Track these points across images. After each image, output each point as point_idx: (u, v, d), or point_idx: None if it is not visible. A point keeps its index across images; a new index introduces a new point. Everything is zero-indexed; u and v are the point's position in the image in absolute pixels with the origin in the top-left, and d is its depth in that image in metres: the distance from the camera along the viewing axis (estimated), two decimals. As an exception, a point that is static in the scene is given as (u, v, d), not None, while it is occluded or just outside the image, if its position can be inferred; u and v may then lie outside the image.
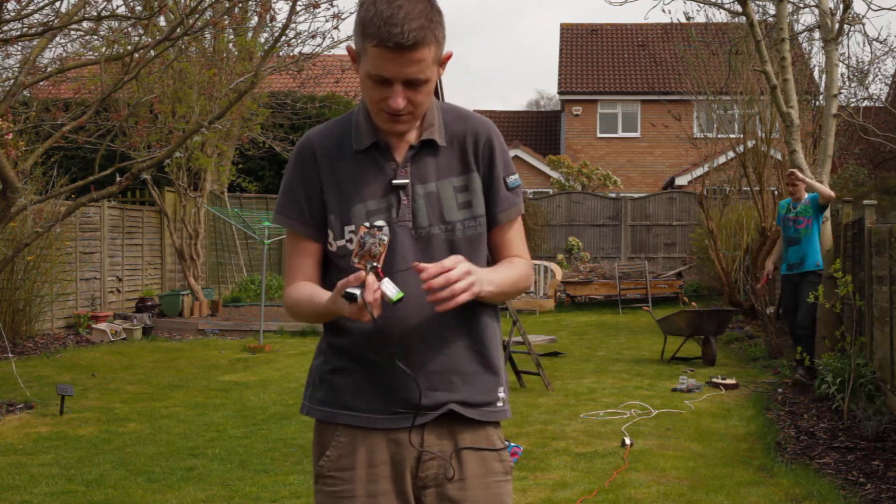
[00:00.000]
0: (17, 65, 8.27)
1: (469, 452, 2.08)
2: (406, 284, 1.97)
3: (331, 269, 2.13)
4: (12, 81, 8.02)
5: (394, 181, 2.06)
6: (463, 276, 1.91)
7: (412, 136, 2.09)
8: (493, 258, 2.18)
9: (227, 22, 10.14)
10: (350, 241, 2.06)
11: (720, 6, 10.36)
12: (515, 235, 2.19)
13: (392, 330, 2.00)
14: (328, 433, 2.11)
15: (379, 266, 1.88)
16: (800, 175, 8.31)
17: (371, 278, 1.87)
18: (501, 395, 2.12)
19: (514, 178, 2.16)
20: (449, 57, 2.04)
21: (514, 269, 2.14)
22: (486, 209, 2.13)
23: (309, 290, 2.10)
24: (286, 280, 2.17)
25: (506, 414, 2.14)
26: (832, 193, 8.41)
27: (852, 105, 12.65)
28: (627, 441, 6.24)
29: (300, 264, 2.14)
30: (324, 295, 2.02)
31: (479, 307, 2.11)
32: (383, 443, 2.06)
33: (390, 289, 1.88)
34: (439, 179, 2.08)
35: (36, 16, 7.71)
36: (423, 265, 1.89)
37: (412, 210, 2.05)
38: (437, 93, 2.22)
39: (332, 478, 2.09)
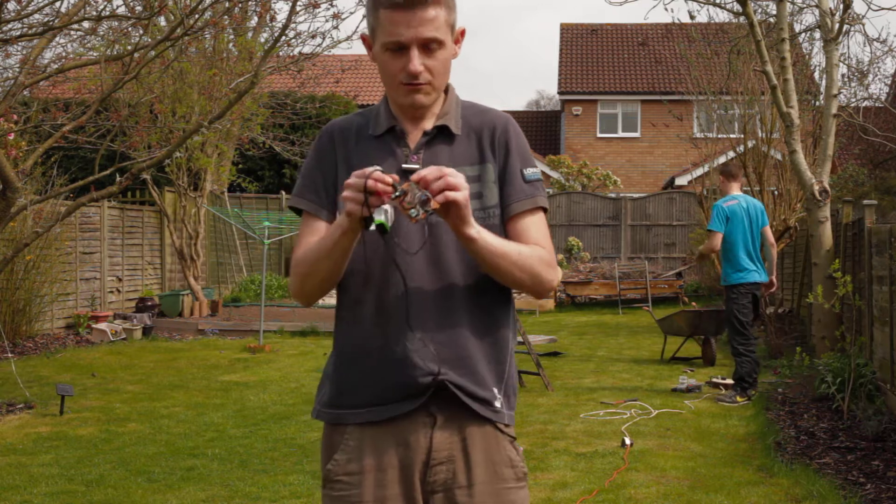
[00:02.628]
0: (17, 65, 8.25)
1: (478, 459, 2.06)
2: (416, 270, 1.98)
3: None
4: (12, 81, 8.02)
5: (404, 166, 2.05)
6: (456, 175, 1.87)
7: (427, 124, 2.10)
8: None
9: (227, 22, 10.13)
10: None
11: (721, 6, 10.36)
12: (533, 226, 2.10)
13: (400, 306, 1.99)
14: (337, 436, 2.10)
15: (401, 199, 1.84)
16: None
17: (390, 182, 1.83)
18: (498, 395, 2.08)
19: (532, 171, 2.12)
20: (463, 32, 2.07)
21: (523, 246, 2.06)
22: (501, 199, 2.10)
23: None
24: (294, 253, 2.16)
25: (503, 417, 2.10)
26: (711, 248, 8.08)
27: (852, 105, 12.65)
28: (627, 441, 6.24)
29: (312, 243, 2.13)
30: (336, 221, 1.99)
31: (492, 308, 2.08)
32: (392, 446, 2.04)
33: (387, 210, 1.84)
34: (452, 167, 2.05)
35: (36, 16, 7.71)
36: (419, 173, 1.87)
37: None
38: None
39: (339, 482, 2.07)
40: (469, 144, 2.10)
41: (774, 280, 8.42)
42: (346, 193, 1.87)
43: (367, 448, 2.05)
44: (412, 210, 1.84)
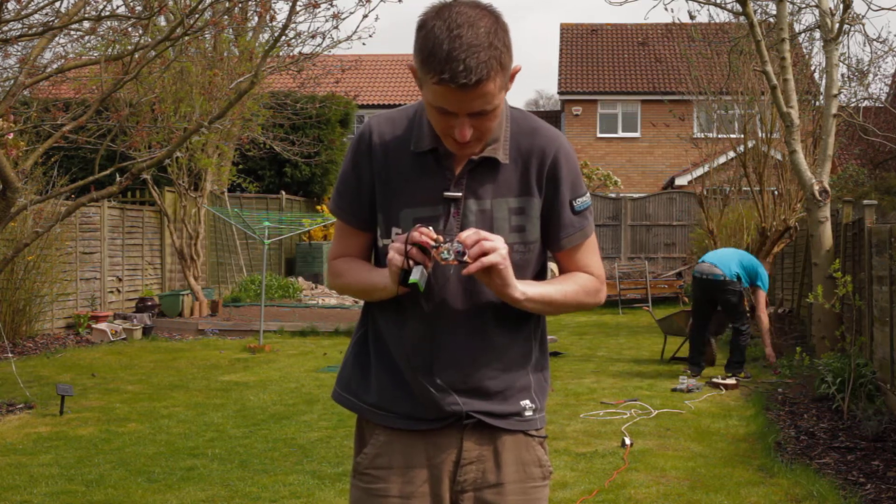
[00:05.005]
0: (17, 65, 8.25)
1: (508, 459, 2.07)
2: (448, 291, 1.99)
3: (379, 261, 2.12)
4: (12, 81, 8.02)
5: (446, 193, 1.99)
6: (493, 239, 1.87)
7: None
8: None
9: (227, 22, 10.13)
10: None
11: (721, 6, 10.35)
12: (584, 254, 2.09)
13: (430, 332, 2.00)
14: (368, 429, 2.11)
15: (429, 263, 1.88)
16: None
17: (434, 237, 1.87)
18: (528, 405, 2.09)
19: (582, 201, 2.05)
20: (517, 71, 1.94)
21: (568, 283, 2.06)
22: (550, 233, 2.05)
23: (361, 263, 2.11)
24: (331, 254, 2.18)
25: (534, 423, 2.10)
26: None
27: (852, 105, 12.65)
28: (627, 441, 6.24)
29: (348, 250, 2.13)
30: (381, 270, 2.02)
31: (522, 327, 2.07)
32: (421, 446, 2.05)
33: (418, 273, 1.87)
34: (495, 198, 2.00)
35: (36, 16, 7.70)
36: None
37: (461, 225, 1.99)
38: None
39: (368, 475, 2.08)
40: (515, 172, 2.02)
41: (769, 352, 9.53)
42: (392, 244, 1.91)
43: (396, 444, 2.06)
44: (444, 253, 1.86)
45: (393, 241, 1.92)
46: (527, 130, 2.04)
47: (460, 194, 1.99)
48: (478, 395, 2.03)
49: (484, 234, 1.87)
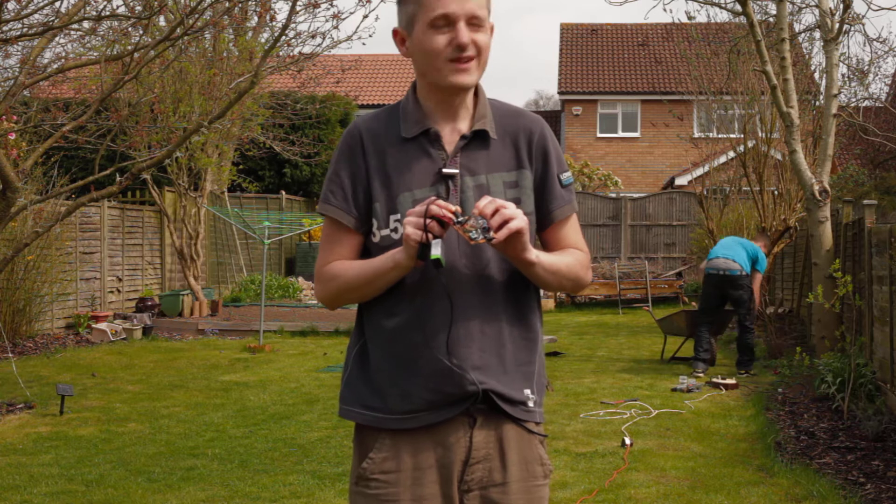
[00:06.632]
0: (17, 65, 8.25)
1: (513, 458, 2.06)
2: (457, 273, 1.98)
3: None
4: (12, 81, 8.02)
5: (444, 170, 2.02)
6: (508, 205, 1.90)
7: (464, 127, 2.06)
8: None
9: (227, 22, 10.13)
10: (395, 230, 2.02)
11: (721, 6, 10.36)
12: (571, 230, 2.15)
13: (440, 311, 1.99)
14: (370, 436, 2.07)
15: (462, 225, 1.87)
16: None
17: (453, 210, 1.86)
18: (531, 395, 2.08)
19: (567, 175, 2.13)
20: (491, 28, 2.06)
21: (567, 256, 2.10)
22: (541, 206, 2.10)
23: (356, 261, 2.07)
24: (319, 264, 2.12)
25: (535, 416, 2.10)
26: None
27: (852, 105, 12.65)
28: (627, 441, 6.24)
29: (337, 254, 2.09)
30: (382, 256, 2.00)
31: (526, 306, 2.08)
32: (430, 446, 2.03)
33: (439, 248, 1.87)
34: (489, 172, 2.04)
35: (36, 16, 7.71)
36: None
37: (460, 201, 2.01)
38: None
39: (375, 481, 2.04)
40: (505, 149, 2.07)
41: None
42: (408, 219, 1.89)
43: (404, 447, 2.03)
44: (472, 232, 1.86)
45: (406, 217, 1.91)
46: (509, 113, 2.12)
47: (457, 171, 2.02)
48: (491, 372, 2.01)
49: (498, 201, 1.90)
